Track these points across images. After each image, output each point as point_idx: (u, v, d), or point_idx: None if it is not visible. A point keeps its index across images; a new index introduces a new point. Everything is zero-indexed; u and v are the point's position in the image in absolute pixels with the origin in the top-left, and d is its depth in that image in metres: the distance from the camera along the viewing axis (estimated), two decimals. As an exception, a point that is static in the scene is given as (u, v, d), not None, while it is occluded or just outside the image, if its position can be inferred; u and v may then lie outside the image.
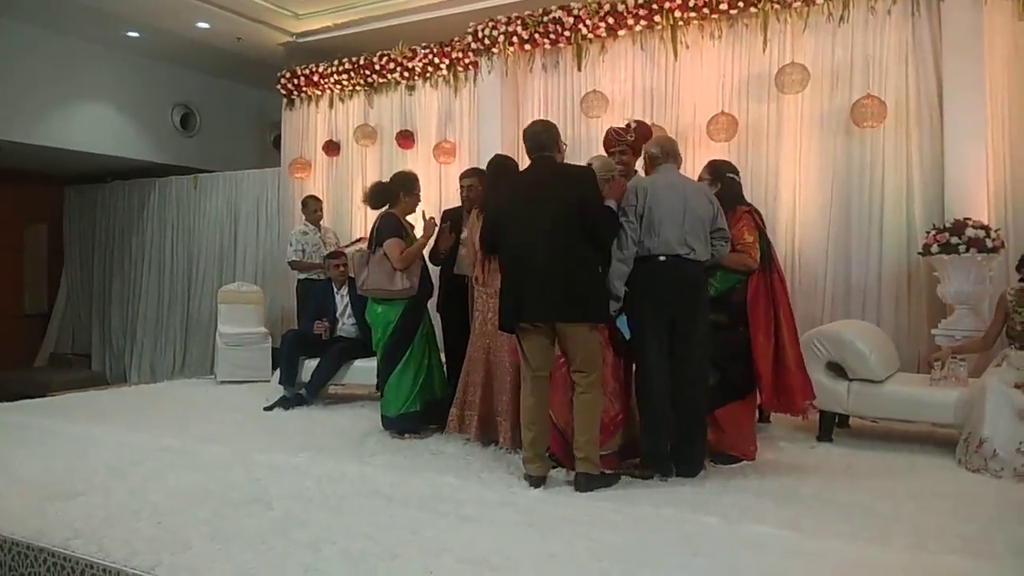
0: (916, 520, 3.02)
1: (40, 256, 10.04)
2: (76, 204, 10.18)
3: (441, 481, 3.60)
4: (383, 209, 4.65)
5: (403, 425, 4.54)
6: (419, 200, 4.76)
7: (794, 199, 5.66)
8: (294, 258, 6.60)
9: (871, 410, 4.35)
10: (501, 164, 4.32)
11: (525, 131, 3.79)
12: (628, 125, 4.19)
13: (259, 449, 4.27)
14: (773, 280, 3.95)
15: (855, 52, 5.42)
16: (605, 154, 4.07)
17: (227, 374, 6.80)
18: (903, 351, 4.99)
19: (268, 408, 5.46)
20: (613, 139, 4.16)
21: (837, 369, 4.35)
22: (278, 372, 5.74)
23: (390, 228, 4.50)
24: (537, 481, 3.53)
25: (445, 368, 4.81)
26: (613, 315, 3.65)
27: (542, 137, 3.69)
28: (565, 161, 4.04)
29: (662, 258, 3.58)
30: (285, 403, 5.48)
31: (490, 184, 4.29)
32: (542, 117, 6.53)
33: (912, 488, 3.46)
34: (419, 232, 4.65)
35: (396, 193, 4.61)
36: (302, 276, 6.65)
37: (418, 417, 4.56)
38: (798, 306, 5.51)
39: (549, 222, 3.47)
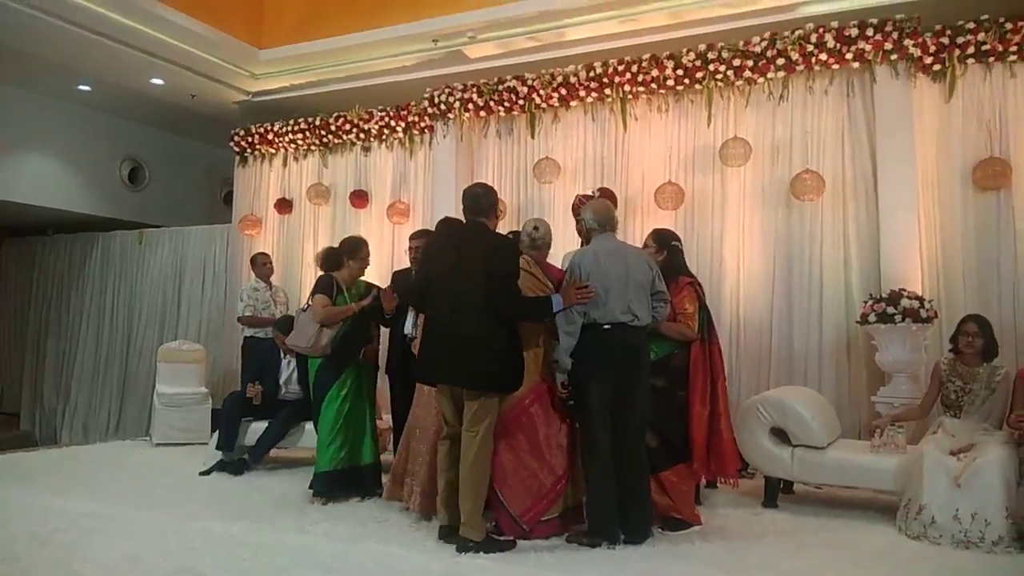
0: (858, 589, 3.04)
1: (-30, 310, 9.66)
2: (14, 257, 9.87)
3: (384, 551, 3.50)
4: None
5: (312, 483, 4.49)
6: (367, 264, 4.82)
7: (738, 267, 5.82)
8: (246, 313, 6.47)
9: (815, 476, 4.40)
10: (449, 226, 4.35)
11: (466, 191, 3.84)
12: (593, 193, 4.30)
13: (194, 516, 4.10)
14: (712, 351, 4.05)
15: (794, 129, 5.68)
16: (544, 219, 4.15)
17: (163, 436, 6.55)
18: (844, 417, 5.10)
19: (205, 472, 5.26)
20: (579, 207, 4.28)
21: (781, 435, 4.41)
22: (217, 436, 5.55)
23: (320, 286, 4.65)
24: (446, 530, 3.63)
25: (392, 433, 4.75)
26: (563, 391, 3.69)
27: (482, 202, 3.76)
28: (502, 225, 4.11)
29: (607, 326, 3.63)
30: (223, 467, 5.29)
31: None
32: (496, 181, 6.72)
33: (855, 556, 3.48)
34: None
35: (341, 257, 4.73)
36: (248, 333, 6.51)
37: (329, 479, 4.46)
38: (743, 372, 5.65)
39: (462, 289, 3.57)
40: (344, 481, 4.49)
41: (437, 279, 3.71)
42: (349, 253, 4.73)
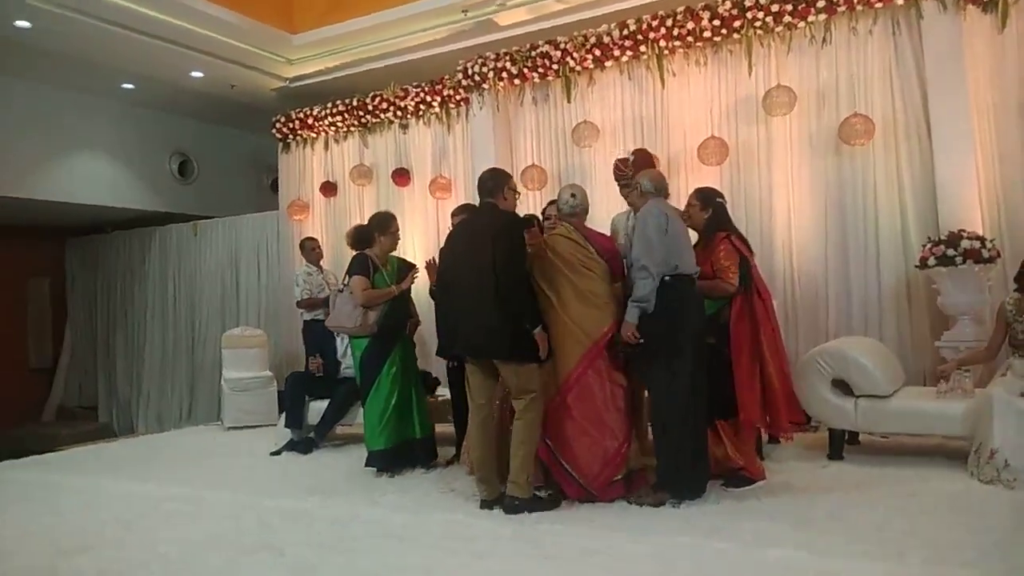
0: (931, 535, 3.01)
1: (43, 310, 10.06)
2: (77, 256, 10.23)
3: (452, 519, 3.60)
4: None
5: (370, 461, 4.60)
6: (397, 238, 4.88)
7: (789, 219, 5.70)
8: (303, 297, 6.62)
9: (880, 426, 4.35)
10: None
11: (479, 177, 4.05)
12: (627, 158, 4.28)
13: (269, 494, 4.27)
14: (755, 303, 3.99)
15: (839, 72, 5.50)
16: (580, 186, 4.18)
17: (234, 420, 6.79)
18: (908, 364, 5.01)
19: (276, 453, 5.45)
20: (617, 173, 4.30)
21: (843, 386, 4.35)
22: (284, 415, 5.73)
23: (356, 266, 4.68)
24: (486, 504, 3.76)
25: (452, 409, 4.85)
26: (634, 339, 3.63)
27: (488, 184, 3.96)
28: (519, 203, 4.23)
29: (684, 278, 3.69)
30: (292, 446, 5.47)
31: None
32: (534, 148, 6.70)
33: (925, 503, 3.45)
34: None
35: (372, 234, 4.77)
36: (307, 317, 6.66)
37: (385, 455, 4.57)
38: (800, 325, 5.57)
39: (476, 266, 3.72)
40: (398, 457, 4.60)
41: (454, 261, 3.92)
42: (379, 229, 4.77)
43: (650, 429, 3.88)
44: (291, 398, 5.66)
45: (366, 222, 5.00)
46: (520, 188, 5.20)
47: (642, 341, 3.62)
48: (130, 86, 7.92)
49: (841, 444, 4.42)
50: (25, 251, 9.70)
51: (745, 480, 3.84)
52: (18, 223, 9.15)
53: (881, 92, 5.37)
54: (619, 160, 4.40)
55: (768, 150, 5.75)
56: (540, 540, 3.22)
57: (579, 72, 6.40)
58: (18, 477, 5.20)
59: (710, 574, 2.73)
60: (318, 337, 6.00)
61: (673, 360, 3.62)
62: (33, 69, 7.28)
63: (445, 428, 4.99)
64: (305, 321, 6.64)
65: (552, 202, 4.49)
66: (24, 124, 7.56)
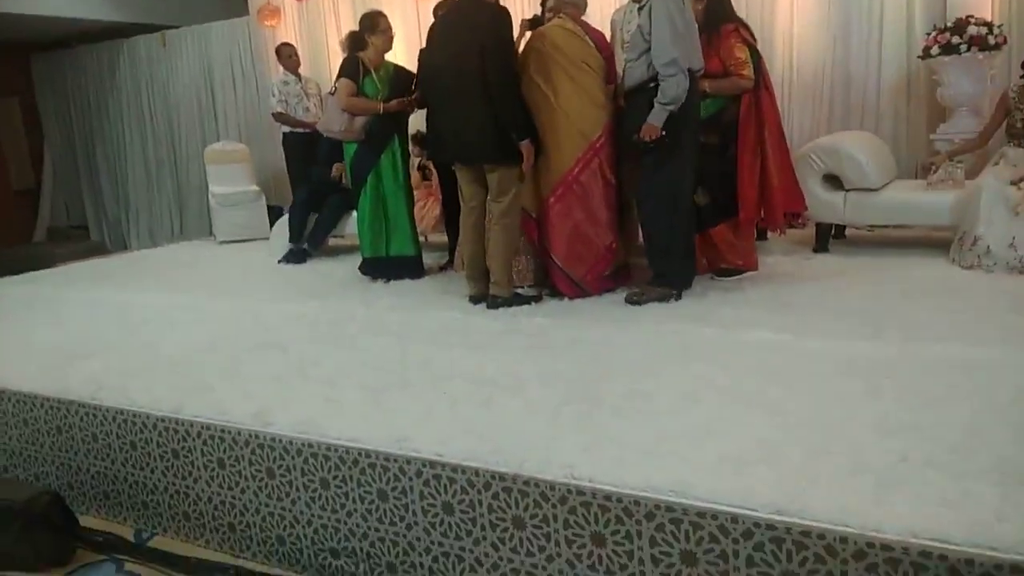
0: (907, 316, 3.12)
1: (17, 130, 9.73)
2: (45, 73, 9.75)
3: (447, 316, 3.70)
4: None
5: (361, 267, 4.66)
6: (390, 36, 4.61)
7: (791, 9, 5.40)
8: (278, 109, 6.38)
9: (867, 218, 4.40)
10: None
11: None
12: None
13: (267, 300, 4.36)
14: (761, 98, 3.85)
15: None
16: None
17: (226, 234, 6.82)
18: (902, 159, 4.98)
19: (282, 261, 5.50)
20: None
21: (834, 181, 4.35)
22: (278, 228, 5.71)
23: (344, 69, 4.51)
24: (473, 299, 3.90)
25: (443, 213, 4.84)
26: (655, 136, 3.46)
27: None
28: None
29: (695, 72, 3.51)
30: (290, 256, 5.51)
31: None
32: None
33: (905, 288, 3.55)
34: None
35: (363, 37, 4.54)
36: (286, 130, 6.48)
37: (370, 263, 4.61)
38: (795, 121, 5.46)
39: (460, 69, 3.58)
40: (385, 267, 4.62)
41: (437, 60, 3.76)
42: (368, 29, 4.53)
43: (640, 226, 3.88)
44: (298, 215, 5.60)
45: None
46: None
47: (664, 135, 3.44)
48: None
49: (827, 238, 4.50)
50: (-11, 70, 9.24)
51: (731, 271, 3.92)
52: (-23, 39, 8.65)
53: None
54: None
55: (771, -69, 5.33)
56: (532, 332, 3.33)
57: None
58: (16, 292, 5.28)
59: (693, 355, 2.84)
60: (324, 147, 5.65)
61: (673, 157, 3.53)
62: None
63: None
64: (284, 134, 6.46)
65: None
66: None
